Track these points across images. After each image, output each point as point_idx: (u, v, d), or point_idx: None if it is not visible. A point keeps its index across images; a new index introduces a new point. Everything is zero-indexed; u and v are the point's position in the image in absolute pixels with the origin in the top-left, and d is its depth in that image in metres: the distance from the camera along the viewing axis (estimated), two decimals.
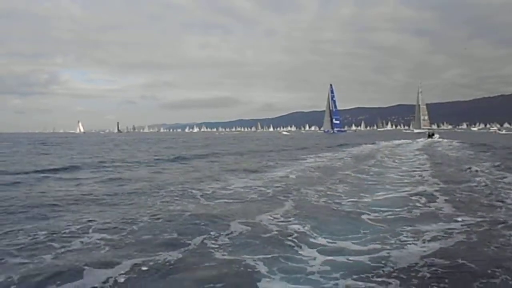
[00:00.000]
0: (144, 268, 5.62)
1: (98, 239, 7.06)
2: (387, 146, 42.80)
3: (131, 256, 6.10)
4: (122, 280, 5.24)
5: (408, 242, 6.97)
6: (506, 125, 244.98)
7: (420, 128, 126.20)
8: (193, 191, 12.57)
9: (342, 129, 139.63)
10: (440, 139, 56.50)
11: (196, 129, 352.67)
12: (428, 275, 5.40)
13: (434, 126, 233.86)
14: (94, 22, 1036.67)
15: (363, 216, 8.99)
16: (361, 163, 22.45)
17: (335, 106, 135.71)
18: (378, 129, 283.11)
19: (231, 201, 11.03)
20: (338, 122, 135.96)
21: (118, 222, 8.29)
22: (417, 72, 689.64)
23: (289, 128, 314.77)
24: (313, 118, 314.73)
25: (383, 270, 5.64)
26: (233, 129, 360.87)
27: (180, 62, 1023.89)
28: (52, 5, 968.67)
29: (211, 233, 7.47)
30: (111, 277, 5.29)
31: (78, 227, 7.86)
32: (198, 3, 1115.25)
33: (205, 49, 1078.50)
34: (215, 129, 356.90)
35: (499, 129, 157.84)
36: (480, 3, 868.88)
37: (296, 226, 8.02)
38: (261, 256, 6.18)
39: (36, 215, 9.14)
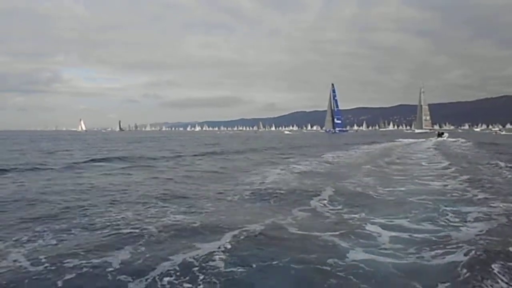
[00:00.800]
0: None
1: None
2: (396, 145, 43.55)
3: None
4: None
5: (456, 222, 7.84)
6: (508, 126, 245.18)
7: (421, 128, 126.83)
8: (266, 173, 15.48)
9: (344, 129, 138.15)
10: (450, 139, 58.08)
11: (198, 128, 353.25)
12: (478, 249, 6.03)
13: (436, 127, 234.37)
14: (97, 21, 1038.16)
15: (409, 200, 9.86)
16: (380, 159, 23.30)
17: (337, 106, 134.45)
18: (380, 129, 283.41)
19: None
20: (339, 122, 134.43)
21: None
22: (419, 72, 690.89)
23: (291, 128, 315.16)
24: (315, 118, 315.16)
25: (443, 243, 6.45)
26: (235, 128, 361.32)
27: (181, 61, 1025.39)
28: (55, 5, 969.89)
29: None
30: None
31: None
32: (199, 2, 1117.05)
33: (207, 48, 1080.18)
34: (216, 128, 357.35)
35: (500, 130, 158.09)
36: (482, 3, 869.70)
37: (350, 209, 8.88)
38: (335, 233, 7.01)
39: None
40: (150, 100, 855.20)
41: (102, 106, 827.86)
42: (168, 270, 5.22)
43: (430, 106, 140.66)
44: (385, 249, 6.20)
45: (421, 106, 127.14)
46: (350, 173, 16.14)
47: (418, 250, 6.12)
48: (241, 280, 5.01)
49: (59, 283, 4.86)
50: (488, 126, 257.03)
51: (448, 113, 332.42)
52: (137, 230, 7.02)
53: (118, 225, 7.41)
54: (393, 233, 7.01)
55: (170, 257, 5.66)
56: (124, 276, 5.05)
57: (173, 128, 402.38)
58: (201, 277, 5.04)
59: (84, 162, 21.42)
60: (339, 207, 9.22)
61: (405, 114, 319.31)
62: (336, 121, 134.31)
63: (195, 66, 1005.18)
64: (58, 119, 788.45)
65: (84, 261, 5.47)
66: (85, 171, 17.43)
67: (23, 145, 43.58)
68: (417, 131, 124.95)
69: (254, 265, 5.45)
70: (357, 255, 5.92)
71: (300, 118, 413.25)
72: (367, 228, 7.35)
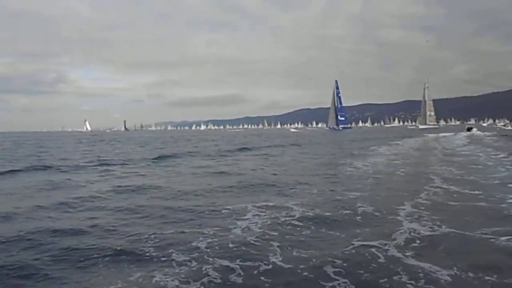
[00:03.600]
0: None
1: None
2: (426, 140, 45.04)
3: None
4: None
5: None
6: None
7: (426, 124, 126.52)
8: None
9: (347, 126, 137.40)
10: (479, 132, 60.51)
11: (203, 127, 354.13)
12: None
13: (442, 122, 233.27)
14: (102, 21, 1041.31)
15: None
16: (430, 153, 25.42)
17: (340, 103, 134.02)
18: (385, 125, 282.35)
19: None
20: (343, 118, 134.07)
21: None
22: (424, 68, 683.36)
23: (296, 125, 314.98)
24: (320, 115, 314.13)
25: None
26: (240, 127, 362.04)
27: (186, 60, 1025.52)
28: (60, 5, 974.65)
29: None
30: None
31: None
32: (205, 1, 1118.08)
33: (212, 47, 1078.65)
34: (222, 127, 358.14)
35: (504, 125, 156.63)
36: None
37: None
38: None
39: None
40: (155, 99, 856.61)
41: (107, 106, 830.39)
42: None
43: (435, 101, 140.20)
44: None
45: (425, 101, 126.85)
46: (425, 163, 18.59)
47: None
48: None
49: None
50: (494, 121, 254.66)
51: (453, 108, 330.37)
52: None
53: None
54: None
55: None
56: None
57: (178, 127, 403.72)
58: None
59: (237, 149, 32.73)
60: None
61: (410, 110, 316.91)
62: (339, 117, 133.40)
63: (199, 64, 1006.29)
64: (63, 119, 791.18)
65: None
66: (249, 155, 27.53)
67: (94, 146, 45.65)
68: (421, 126, 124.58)
69: None
70: None
71: (305, 116, 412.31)
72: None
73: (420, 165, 17.79)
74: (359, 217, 8.12)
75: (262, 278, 5.10)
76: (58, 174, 16.91)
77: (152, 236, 6.97)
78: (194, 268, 5.47)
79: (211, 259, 5.77)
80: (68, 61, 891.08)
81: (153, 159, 23.57)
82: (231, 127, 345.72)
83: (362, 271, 5.22)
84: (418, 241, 6.38)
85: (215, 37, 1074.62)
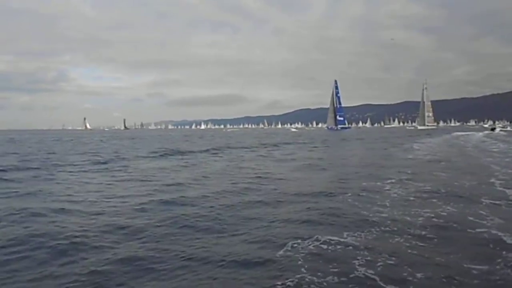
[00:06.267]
0: None
1: None
2: (455, 137, 47.85)
3: None
4: None
5: None
6: None
7: (424, 125, 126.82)
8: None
9: (346, 126, 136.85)
10: (502, 131, 65.10)
11: (203, 126, 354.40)
12: None
13: (442, 123, 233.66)
14: (103, 20, 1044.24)
15: None
16: (467, 149, 28.74)
17: (339, 103, 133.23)
18: (385, 126, 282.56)
19: None
20: (342, 118, 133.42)
21: None
22: (424, 69, 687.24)
23: (296, 125, 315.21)
24: (320, 115, 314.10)
25: None
26: (241, 126, 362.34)
27: (187, 60, 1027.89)
28: (63, 4, 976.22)
29: None
30: None
31: None
32: (206, 1, 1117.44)
33: (212, 47, 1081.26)
34: (222, 126, 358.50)
35: (504, 127, 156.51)
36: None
37: None
38: None
39: None
40: (155, 99, 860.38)
41: (107, 105, 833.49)
42: None
43: (435, 102, 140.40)
44: None
45: (423, 102, 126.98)
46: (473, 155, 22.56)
47: None
48: None
49: None
50: (494, 122, 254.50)
51: (454, 110, 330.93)
52: None
53: None
54: None
55: None
56: None
57: (178, 127, 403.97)
58: None
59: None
60: None
61: (410, 111, 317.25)
62: (338, 118, 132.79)
63: (200, 64, 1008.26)
64: (63, 118, 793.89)
65: None
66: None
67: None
68: (419, 127, 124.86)
69: None
70: None
71: (305, 115, 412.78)
72: None
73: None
74: None
75: None
76: (190, 155, 25.98)
77: None
78: None
79: None
80: (69, 60, 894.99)
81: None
82: (231, 127, 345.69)
83: None
84: None
85: (216, 37, 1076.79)
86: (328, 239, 6.37)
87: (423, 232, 6.76)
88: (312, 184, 12.53)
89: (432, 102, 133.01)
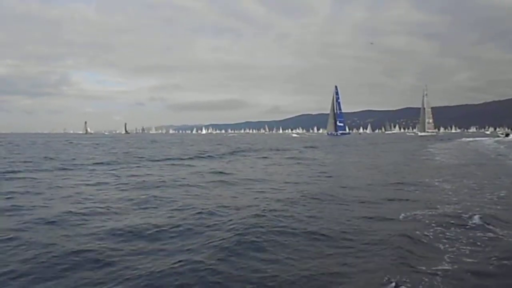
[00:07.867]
0: None
1: None
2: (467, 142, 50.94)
3: None
4: None
5: None
6: None
7: (424, 131, 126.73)
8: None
9: (346, 132, 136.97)
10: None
11: (204, 131, 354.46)
12: None
13: (442, 130, 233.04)
14: (107, 25, 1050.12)
15: None
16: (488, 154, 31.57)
17: (340, 108, 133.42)
18: (386, 132, 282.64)
19: None
20: (342, 124, 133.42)
21: None
22: (426, 75, 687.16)
23: (297, 130, 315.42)
24: (321, 120, 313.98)
25: None
26: (242, 131, 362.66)
27: (189, 64, 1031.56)
28: (67, 9, 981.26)
29: None
30: None
31: None
32: (211, 6, 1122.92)
33: (215, 52, 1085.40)
34: (223, 131, 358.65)
35: (502, 134, 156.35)
36: (490, 6, 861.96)
37: None
38: None
39: None
40: (156, 103, 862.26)
41: (108, 109, 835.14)
42: None
43: (436, 108, 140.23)
44: None
45: (424, 109, 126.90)
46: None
47: None
48: None
49: None
50: (495, 129, 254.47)
51: (455, 116, 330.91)
52: None
53: None
54: None
55: None
56: None
57: (179, 131, 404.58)
58: None
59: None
60: None
61: (411, 117, 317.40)
62: (338, 123, 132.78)
63: (202, 69, 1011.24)
64: (64, 121, 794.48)
65: None
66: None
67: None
68: (420, 134, 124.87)
69: None
70: None
71: (306, 121, 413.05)
72: None
73: None
74: None
75: None
76: (216, 159, 29.48)
77: None
78: None
79: None
80: (72, 64, 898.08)
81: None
82: (232, 131, 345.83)
83: None
84: None
85: (219, 42, 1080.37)
86: None
87: None
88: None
89: (433, 108, 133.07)
